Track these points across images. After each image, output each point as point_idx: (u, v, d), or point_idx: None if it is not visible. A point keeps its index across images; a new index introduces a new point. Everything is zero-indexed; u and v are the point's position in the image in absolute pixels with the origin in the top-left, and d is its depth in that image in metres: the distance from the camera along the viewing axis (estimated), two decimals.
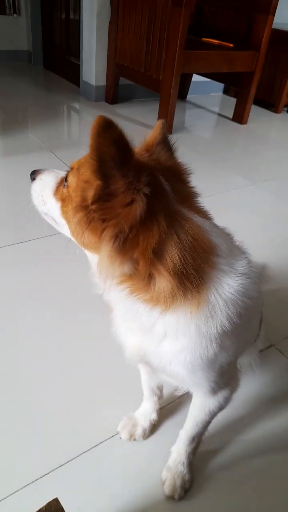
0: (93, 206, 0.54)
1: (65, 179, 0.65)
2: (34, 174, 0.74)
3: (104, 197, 0.52)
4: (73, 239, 0.65)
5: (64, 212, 0.66)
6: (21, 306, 1.33)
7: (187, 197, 0.62)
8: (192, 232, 0.57)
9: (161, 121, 0.70)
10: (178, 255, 0.55)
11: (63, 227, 0.68)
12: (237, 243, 0.69)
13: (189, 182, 0.66)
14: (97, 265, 0.58)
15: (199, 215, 0.60)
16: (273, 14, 2.86)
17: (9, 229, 1.71)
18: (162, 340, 0.64)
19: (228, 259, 0.61)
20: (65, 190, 0.64)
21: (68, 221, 0.64)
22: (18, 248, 1.58)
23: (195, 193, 0.65)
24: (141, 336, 0.67)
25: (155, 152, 0.66)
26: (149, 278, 0.57)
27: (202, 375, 0.68)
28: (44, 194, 0.70)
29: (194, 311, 0.58)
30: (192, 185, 0.66)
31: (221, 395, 0.78)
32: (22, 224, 1.74)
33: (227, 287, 0.60)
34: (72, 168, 0.62)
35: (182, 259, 0.55)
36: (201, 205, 0.64)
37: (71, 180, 0.60)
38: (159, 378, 0.90)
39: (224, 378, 0.73)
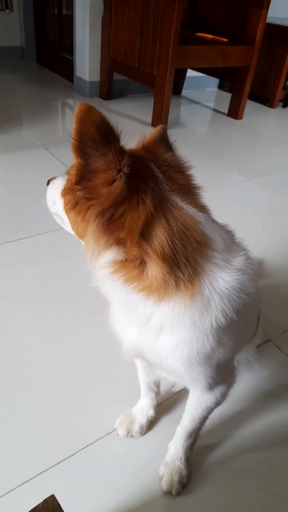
0: (78, 186, 0.55)
1: None
2: (48, 181, 0.76)
3: (86, 176, 0.54)
4: (72, 232, 0.66)
5: (65, 208, 0.65)
6: (18, 304, 1.33)
7: (183, 188, 0.62)
8: (183, 220, 0.57)
9: (161, 126, 0.71)
10: (166, 240, 0.55)
11: (67, 224, 0.68)
12: (237, 240, 0.68)
13: (188, 175, 0.66)
14: (84, 246, 0.59)
15: (194, 207, 0.60)
16: (267, 9, 2.85)
17: (5, 226, 1.70)
18: (159, 333, 0.64)
19: (224, 254, 0.61)
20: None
21: (68, 216, 0.64)
22: (14, 246, 1.58)
23: (194, 186, 0.65)
24: (138, 330, 0.67)
25: (152, 148, 0.66)
26: (141, 265, 0.57)
27: (199, 371, 0.68)
28: (54, 195, 0.70)
29: (187, 302, 0.58)
30: (192, 179, 0.66)
31: (218, 390, 0.78)
32: (18, 222, 1.73)
33: (222, 282, 0.59)
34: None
35: (171, 245, 0.55)
36: (199, 198, 0.64)
37: (69, 176, 0.61)
38: (156, 373, 0.90)
39: (221, 374, 0.73)
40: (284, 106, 3.82)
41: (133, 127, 2.86)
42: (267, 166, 2.62)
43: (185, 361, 0.65)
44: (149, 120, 2.97)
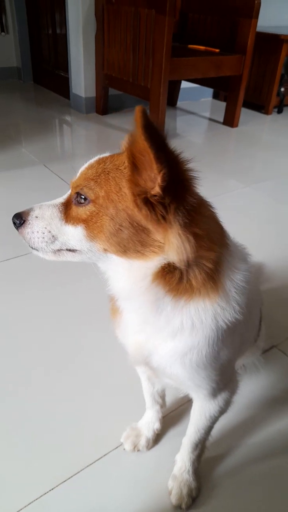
0: (163, 194, 0.53)
1: (76, 199, 0.61)
2: (19, 218, 0.66)
3: (172, 182, 0.53)
4: (108, 255, 0.61)
5: (92, 230, 0.60)
6: (22, 319, 1.33)
7: None
8: (213, 216, 0.63)
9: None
10: (210, 233, 0.59)
11: (89, 251, 0.62)
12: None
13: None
14: (168, 252, 0.56)
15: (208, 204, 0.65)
16: (257, 18, 2.89)
17: (3, 244, 1.71)
18: (173, 337, 0.64)
19: (234, 247, 0.66)
20: (84, 209, 0.60)
21: (103, 235, 0.59)
22: (13, 263, 1.58)
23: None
24: (148, 335, 0.68)
25: None
26: (188, 268, 0.58)
27: (205, 375, 0.68)
28: (52, 229, 0.63)
29: (212, 300, 0.61)
30: None
31: (221, 398, 0.78)
32: (17, 239, 1.74)
33: (237, 275, 0.63)
34: (88, 180, 0.59)
35: (212, 241, 0.59)
36: None
37: (96, 191, 0.58)
38: (160, 381, 0.89)
39: (224, 378, 0.73)
40: (279, 112, 3.85)
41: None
42: (264, 172, 2.63)
43: (192, 365, 0.66)
44: None
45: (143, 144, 0.51)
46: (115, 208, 0.57)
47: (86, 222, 0.60)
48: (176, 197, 0.55)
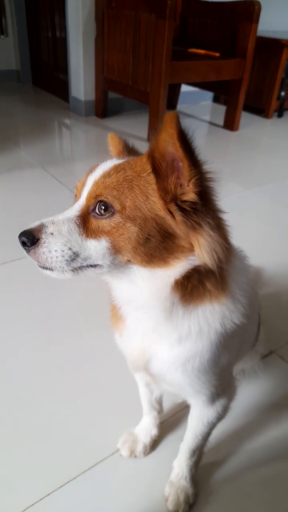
0: (198, 199, 0.55)
1: (95, 210, 0.58)
2: (29, 236, 0.59)
3: (202, 187, 0.56)
4: (130, 266, 0.59)
5: (118, 242, 0.57)
6: (20, 323, 1.32)
7: None
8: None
9: (110, 134, 0.76)
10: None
11: (112, 264, 0.59)
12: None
13: None
14: (199, 256, 0.56)
15: None
16: (257, 22, 2.90)
17: (2, 246, 1.70)
18: (180, 342, 0.64)
19: (237, 256, 0.66)
20: (108, 220, 0.56)
21: (130, 246, 0.56)
22: (12, 266, 1.57)
23: None
24: (155, 340, 0.67)
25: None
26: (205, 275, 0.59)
27: (205, 379, 0.68)
28: (73, 245, 0.58)
29: (221, 303, 0.62)
30: None
31: (220, 404, 0.77)
32: (16, 242, 1.73)
33: (242, 278, 0.64)
34: (110, 189, 0.57)
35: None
36: None
37: (122, 201, 0.56)
38: (159, 388, 0.88)
39: (223, 382, 0.73)
40: (279, 116, 3.85)
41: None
42: (264, 175, 2.63)
43: (194, 371, 0.66)
44: (145, 135, 3.00)
45: (177, 151, 0.52)
46: (143, 217, 0.55)
47: (111, 234, 0.57)
48: (205, 202, 0.56)
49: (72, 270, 0.59)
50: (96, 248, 0.57)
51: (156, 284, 0.58)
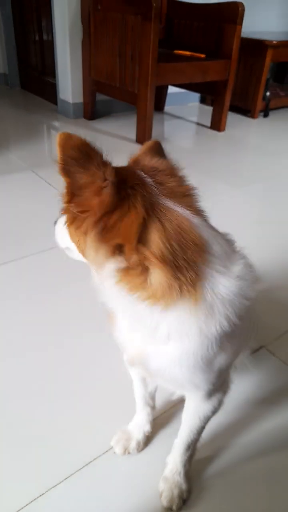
0: (71, 204, 0.57)
1: None
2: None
3: (76, 193, 0.56)
4: (80, 258, 0.67)
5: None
6: (11, 325, 1.32)
7: (175, 191, 0.61)
8: (178, 222, 0.57)
9: (153, 140, 0.74)
10: (163, 242, 0.55)
11: (74, 250, 0.67)
12: (237, 248, 0.68)
13: (179, 177, 0.65)
14: (86, 259, 0.61)
15: (188, 209, 0.60)
16: (241, 24, 2.93)
17: None
18: (166, 342, 0.63)
19: (222, 260, 0.60)
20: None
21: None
22: (6, 268, 1.58)
23: (188, 188, 0.64)
24: (144, 339, 0.67)
25: (141, 158, 0.68)
26: (144, 272, 0.57)
27: (202, 377, 0.68)
28: (62, 229, 0.68)
29: (192, 308, 0.58)
30: (183, 181, 0.65)
31: (216, 398, 0.78)
32: (7, 244, 1.73)
33: (222, 287, 0.59)
34: None
35: (169, 247, 0.55)
36: (195, 201, 0.64)
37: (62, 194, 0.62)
38: (155, 383, 0.89)
39: (221, 379, 0.73)
40: (265, 116, 3.90)
41: (118, 144, 2.90)
42: (252, 175, 2.66)
43: (189, 368, 0.65)
44: (134, 137, 3.02)
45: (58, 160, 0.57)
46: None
47: (64, 217, 0.66)
48: (85, 206, 0.59)
49: (65, 248, 0.73)
50: (67, 238, 0.68)
51: (101, 275, 0.60)
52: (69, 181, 0.56)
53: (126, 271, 0.57)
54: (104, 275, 0.59)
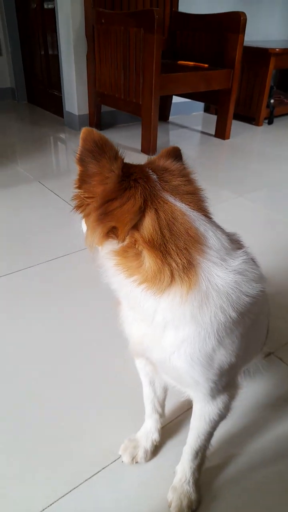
0: (80, 190, 0.63)
1: None
2: None
3: (86, 180, 0.62)
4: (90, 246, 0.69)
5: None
6: (19, 327, 1.33)
7: (178, 188, 0.66)
8: (173, 213, 0.62)
9: (173, 146, 0.79)
10: (154, 228, 0.61)
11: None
12: (244, 248, 0.69)
13: (189, 179, 0.69)
14: (85, 240, 0.65)
15: (187, 205, 0.64)
16: (243, 33, 2.96)
17: (2, 259, 1.72)
18: (164, 330, 0.66)
19: (220, 254, 0.63)
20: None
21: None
22: (11, 278, 1.59)
23: (192, 189, 0.68)
24: (145, 326, 0.69)
25: (155, 160, 0.73)
26: (139, 256, 0.61)
27: (201, 371, 0.68)
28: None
29: (184, 295, 0.61)
30: (192, 182, 0.69)
31: (220, 400, 0.77)
32: (16, 255, 1.75)
33: (218, 279, 0.62)
34: None
35: (159, 233, 0.60)
36: (200, 201, 0.67)
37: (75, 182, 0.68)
38: (160, 379, 0.88)
39: (223, 380, 0.73)
40: (269, 123, 3.91)
41: (124, 154, 2.92)
42: (256, 182, 2.66)
43: (187, 359, 0.66)
44: (139, 147, 3.04)
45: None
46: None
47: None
48: (91, 192, 0.64)
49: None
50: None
51: (98, 255, 0.67)
52: (82, 170, 0.62)
53: (122, 253, 0.62)
54: (102, 256, 0.65)
